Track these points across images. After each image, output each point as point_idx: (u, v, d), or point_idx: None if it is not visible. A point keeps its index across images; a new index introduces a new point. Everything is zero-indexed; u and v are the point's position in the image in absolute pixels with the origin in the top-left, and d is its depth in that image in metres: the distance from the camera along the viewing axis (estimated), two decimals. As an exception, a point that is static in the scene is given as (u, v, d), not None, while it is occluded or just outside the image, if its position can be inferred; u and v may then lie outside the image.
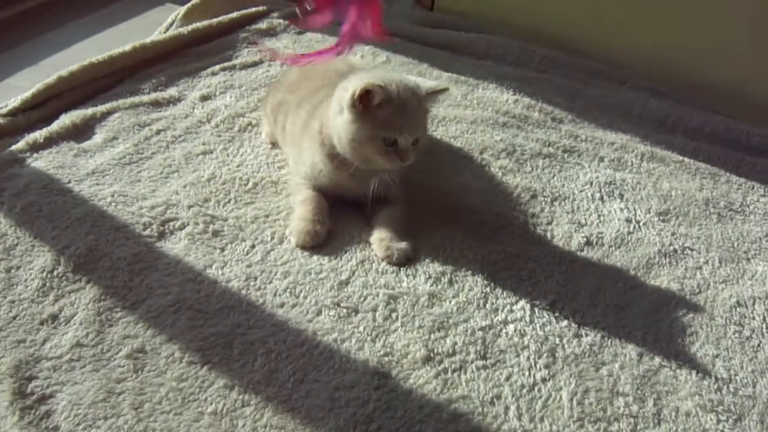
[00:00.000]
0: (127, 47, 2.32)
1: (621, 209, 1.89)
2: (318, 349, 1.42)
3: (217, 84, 2.29)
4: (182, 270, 1.58)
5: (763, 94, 2.44)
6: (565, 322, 1.54)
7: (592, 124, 2.29)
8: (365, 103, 1.57)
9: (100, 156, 1.90)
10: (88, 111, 2.07)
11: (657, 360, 1.47)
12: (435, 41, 2.72)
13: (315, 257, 1.65)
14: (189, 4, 2.71)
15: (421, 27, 2.82)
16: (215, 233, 1.68)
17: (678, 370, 1.46)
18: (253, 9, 2.79)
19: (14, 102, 2.05)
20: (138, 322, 1.45)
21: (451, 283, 1.61)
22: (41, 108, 2.08)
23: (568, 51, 2.68)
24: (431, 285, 1.59)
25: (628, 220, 1.86)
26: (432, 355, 1.43)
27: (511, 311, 1.55)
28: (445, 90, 1.68)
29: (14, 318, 1.44)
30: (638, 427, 1.34)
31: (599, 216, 1.87)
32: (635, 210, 1.90)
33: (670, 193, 1.98)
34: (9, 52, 2.64)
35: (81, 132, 2.00)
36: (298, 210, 1.72)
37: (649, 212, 1.90)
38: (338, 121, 1.62)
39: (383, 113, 1.58)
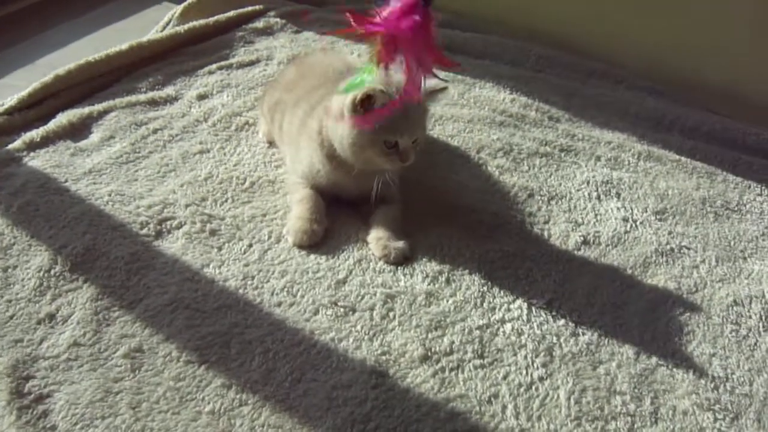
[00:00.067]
0: (124, 46, 2.32)
1: (618, 208, 1.90)
2: (315, 348, 1.42)
3: (214, 83, 2.29)
4: (179, 269, 1.58)
5: (762, 95, 2.45)
6: (562, 321, 1.54)
7: (588, 123, 2.29)
8: (366, 107, 1.56)
9: (97, 155, 1.90)
10: (85, 110, 2.07)
11: (654, 359, 1.48)
12: (432, 40, 2.72)
13: (312, 256, 1.65)
14: (186, 3, 2.71)
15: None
16: (212, 232, 1.68)
17: (675, 369, 1.46)
18: (250, 8, 2.79)
19: (11, 101, 2.05)
20: (135, 321, 1.45)
21: (448, 282, 1.61)
22: (38, 107, 2.08)
23: (565, 50, 2.68)
24: (428, 284, 1.60)
25: (625, 219, 1.86)
26: (429, 354, 1.44)
27: (509, 310, 1.55)
28: (444, 89, 1.68)
29: (11, 317, 1.44)
30: (635, 426, 1.34)
31: (596, 215, 1.87)
32: (632, 209, 1.90)
33: (666, 192, 1.99)
34: (5, 51, 2.63)
35: (78, 131, 2.00)
36: (296, 209, 1.72)
37: (646, 211, 1.90)
38: (339, 125, 1.62)
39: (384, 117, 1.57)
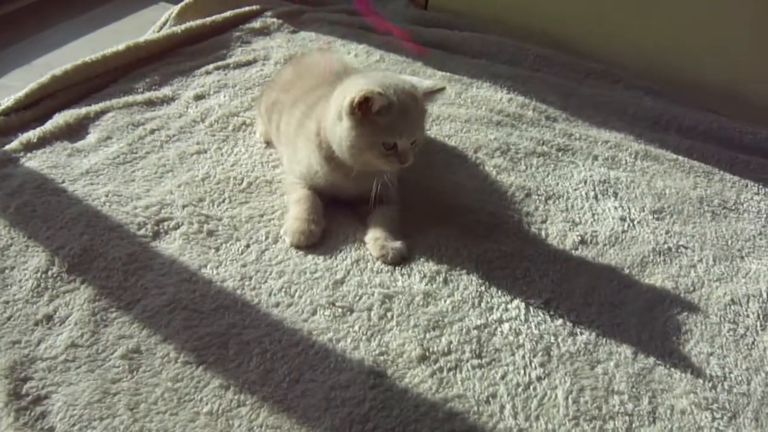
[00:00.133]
0: (121, 46, 2.32)
1: (615, 208, 1.90)
2: (313, 349, 1.42)
3: (211, 83, 2.29)
4: (177, 270, 1.57)
5: (762, 95, 2.45)
6: (559, 321, 1.54)
7: (586, 122, 2.29)
8: (364, 110, 1.56)
9: (94, 156, 1.90)
10: (82, 110, 2.06)
11: (652, 358, 1.48)
12: (429, 40, 2.72)
13: (310, 257, 1.65)
14: (182, 3, 2.70)
15: (414, 26, 2.82)
16: (210, 233, 1.68)
17: (673, 368, 1.46)
18: (247, 8, 2.79)
19: (7, 101, 2.04)
20: (133, 322, 1.45)
21: (446, 282, 1.61)
22: (35, 107, 2.07)
23: (562, 50, 2.68)
24: (426, 284, 1.60)
25: (623, 219, 1.86)
26: (427, 354, 1.44)
27: (506, 310, 1.55)
28: (442, 89, 1.68)
29: (9, 319, 1.43)
30: (633, 426, 1.34)
31: (593, 214, 1.87)
32: (629, 208, 1.90)
33: (664, 191, 1.99)
34: (2, 52, 2.63)
35: (75, 131, 1.99)
36: (293, 209, 1.72)
37: (644, 210, 1.91)
38: (337, 128, 1.61)
39: (383, 119, 1.57)
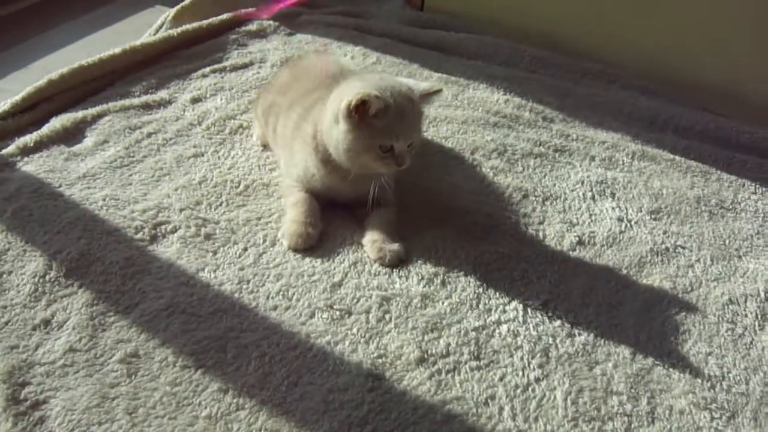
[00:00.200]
0: (117, 49, 2.31)
1: (612, 208, 1.90)
2: (311, 352, 1.42)
3: (207, 86, 2.29)
4: (175, 273, 1.57)
5: (761, 95, 2.45)
6: (558, 322, 1.54)
7: (582, 123, 2.29)
8: (361, 113, 1.55)
9: (91, 159, 1.90)
10: (79, 114, 2.06)
11: (650, 358, 1.48)
12: (425, 41, 2.72)
13: (307, 259, 1.65)
14: (179, 6, 2.70)
15: (410, 27, 2.83)
16: (207, 236, 1.68)
17: (671, 369, 1.46)
18: (243, 11, 2.78)
19: (4, 105, 2.04)
20: (131, 326, 1.45)
21: (443, 284, 1.61)
22: (31, 111, 2.07)
23: (559, 51, 2.69)
24: (424, 286, 1.60)
25: (620, 219, 1.87)
26: (425, 356, 1.43)
27: (504, 311, 1.55)
28: (438, 91, 1.68)
29: (6, 323, 1.43)
30: (632, 426, 1.34)
31: (591, 215, 1.87)
32: (627, 209, 1.91)
33: (661, 191, 1.99)
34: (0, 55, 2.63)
35: (71, 135, 1.99)
36: (290, 212, 1.72)
37: (641, 211, 1.91)
38: (334, 131, 1.61)
39: (380, 122, 1.56)
